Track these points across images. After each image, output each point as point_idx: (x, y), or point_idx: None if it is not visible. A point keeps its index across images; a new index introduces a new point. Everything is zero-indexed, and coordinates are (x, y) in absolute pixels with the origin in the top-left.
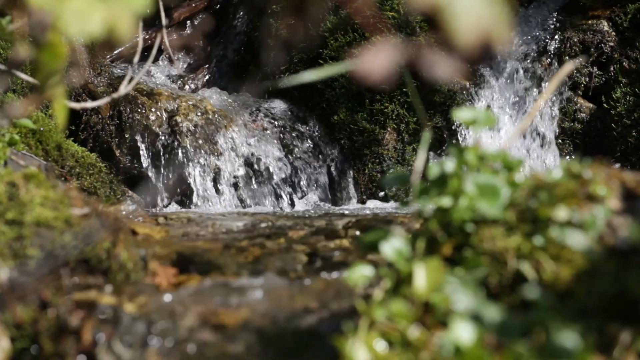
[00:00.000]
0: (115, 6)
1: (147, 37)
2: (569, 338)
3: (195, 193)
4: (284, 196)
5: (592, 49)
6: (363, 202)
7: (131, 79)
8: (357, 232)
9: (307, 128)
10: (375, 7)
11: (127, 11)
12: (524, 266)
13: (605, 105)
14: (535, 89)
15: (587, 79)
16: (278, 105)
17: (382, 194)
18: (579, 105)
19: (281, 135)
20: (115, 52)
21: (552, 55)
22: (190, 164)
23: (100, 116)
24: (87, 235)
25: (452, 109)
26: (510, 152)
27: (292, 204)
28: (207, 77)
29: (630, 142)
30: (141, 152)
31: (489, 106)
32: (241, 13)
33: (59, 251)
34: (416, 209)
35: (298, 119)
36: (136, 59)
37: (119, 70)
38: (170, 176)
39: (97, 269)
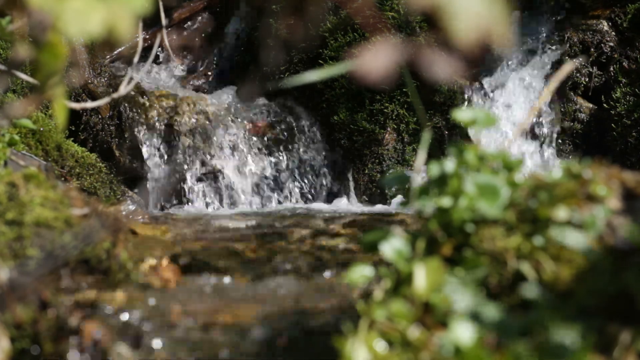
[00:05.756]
0: (115, 6)
1: (147, 37)
2: (568, 338)
3: (194, 193)
4: (283, 196)
5: (592, 49)
6: (363, 202)
7: (131, 79)
8: (357, 232)
9: (307, 128)
10: (375, 7)
11: (127, 11)
12: (524, 266)
13: (605, 105)
14: (535, 89)
15: (587, 79)
16: (277, 105)
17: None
18: (578, 105)
19: (281, 135)
20: (115, 52)
21: (551, 55)
22: (190, 164)
23: (100, 116)
24: (87, 235)
25: (452, 109)
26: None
27: (292, 204)
28: (206, 77)
29: (630, 142)
30: (141, 152)
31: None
32: (241, 13)
33: (59, 251)
34: (416, 209)
35: (298, 119)
36: (136, 59)
37: (119, 71)
38: (170, 176)
39: (97, 269)
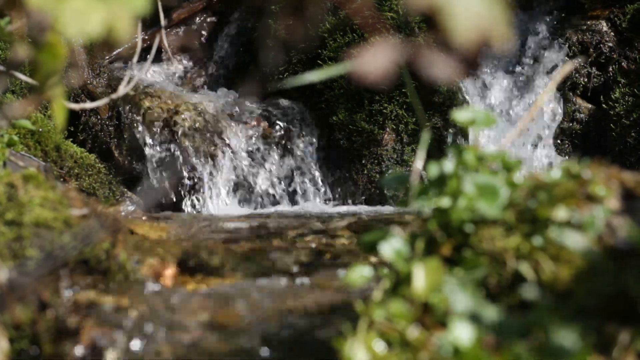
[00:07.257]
0: (115, 6)
1: (146, 37)
2: (568, 338)
3: (194, 194)
4: (282, 197)
5: (591, 50)
6: (362, 202)
7: (130, 80)
8: (357, 233)
9: (306, 128)
10: (374, 7)
11: (126, 12)
12: (523, 266)
13: (604, 105)
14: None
15: (586, 80)
16: (277, 106)
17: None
18: (577, 105)
19: (280, 135)
20: (114, 52)
21: (550, 55)
22: (189, 164)
23: (99, 117)
24: (86, 236)
25: (451, 109)
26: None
27: (291, 205)
28: (206, 77)
29: (629, 142)
30: (140, 152)
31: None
32: (240, 13)
33: (58, 252)
34: (415, 209)
35: (297, 120)
36: (135, 59)
37: (118, 71)
38: (169, 177)
39: (97, 270)
